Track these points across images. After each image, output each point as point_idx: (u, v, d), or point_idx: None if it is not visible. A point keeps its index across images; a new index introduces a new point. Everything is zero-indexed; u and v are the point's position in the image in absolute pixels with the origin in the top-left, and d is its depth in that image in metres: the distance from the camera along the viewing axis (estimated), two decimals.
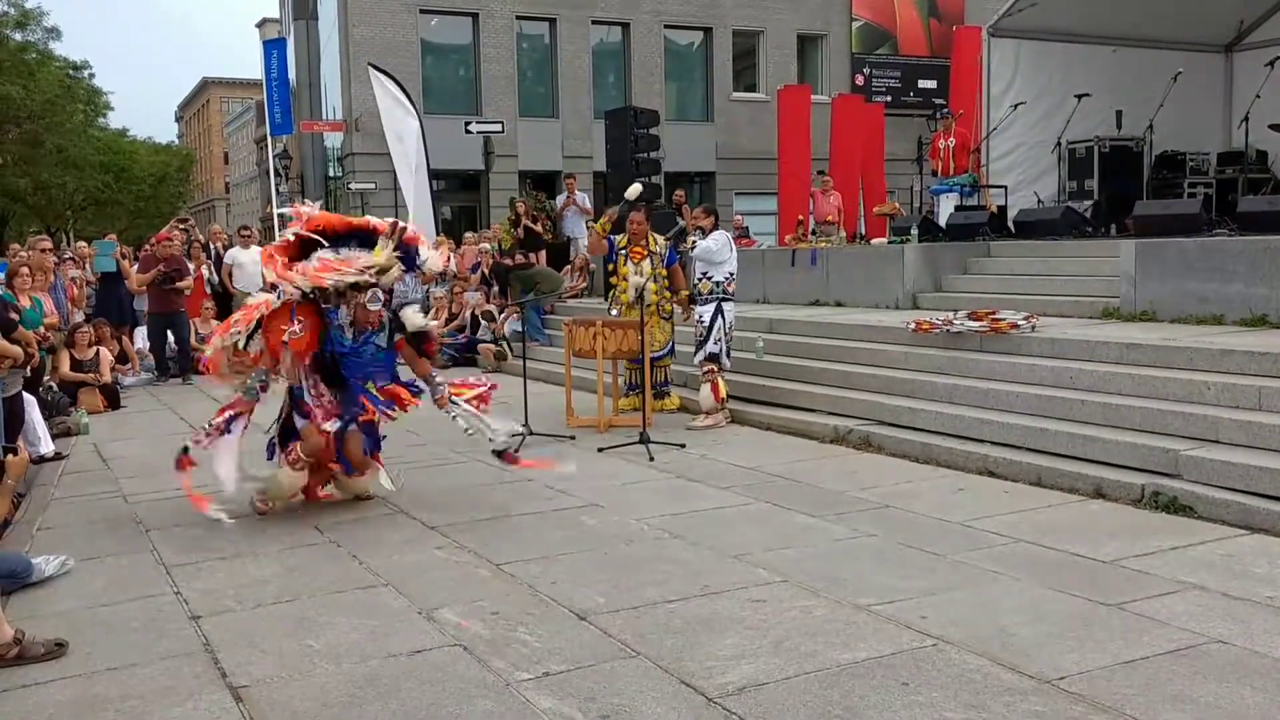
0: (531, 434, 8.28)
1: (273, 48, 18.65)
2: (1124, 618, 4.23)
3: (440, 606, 4.59)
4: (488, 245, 16.97)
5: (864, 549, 5.33)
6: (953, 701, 3.52)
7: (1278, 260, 7.71)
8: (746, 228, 20.44)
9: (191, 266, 14.66)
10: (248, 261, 15.34)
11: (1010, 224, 12.26)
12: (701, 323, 8.97)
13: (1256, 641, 3.93)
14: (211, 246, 15.64)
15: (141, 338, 13.99)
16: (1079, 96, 12.87)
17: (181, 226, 16.45)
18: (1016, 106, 13.44)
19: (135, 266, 14.07)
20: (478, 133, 25.49)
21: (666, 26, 31.24)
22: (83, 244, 15.30)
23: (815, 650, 3.98)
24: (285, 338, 6.14)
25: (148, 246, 14.36)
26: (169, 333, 13.49)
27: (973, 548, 5.25)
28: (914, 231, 11.88)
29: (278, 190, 20.56)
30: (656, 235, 9.52)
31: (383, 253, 6.20)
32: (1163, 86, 12.29)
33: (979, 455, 7.00)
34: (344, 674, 3.92)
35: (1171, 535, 5.35)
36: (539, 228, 16.71)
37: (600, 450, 7.95)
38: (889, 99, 29.29)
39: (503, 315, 14.27)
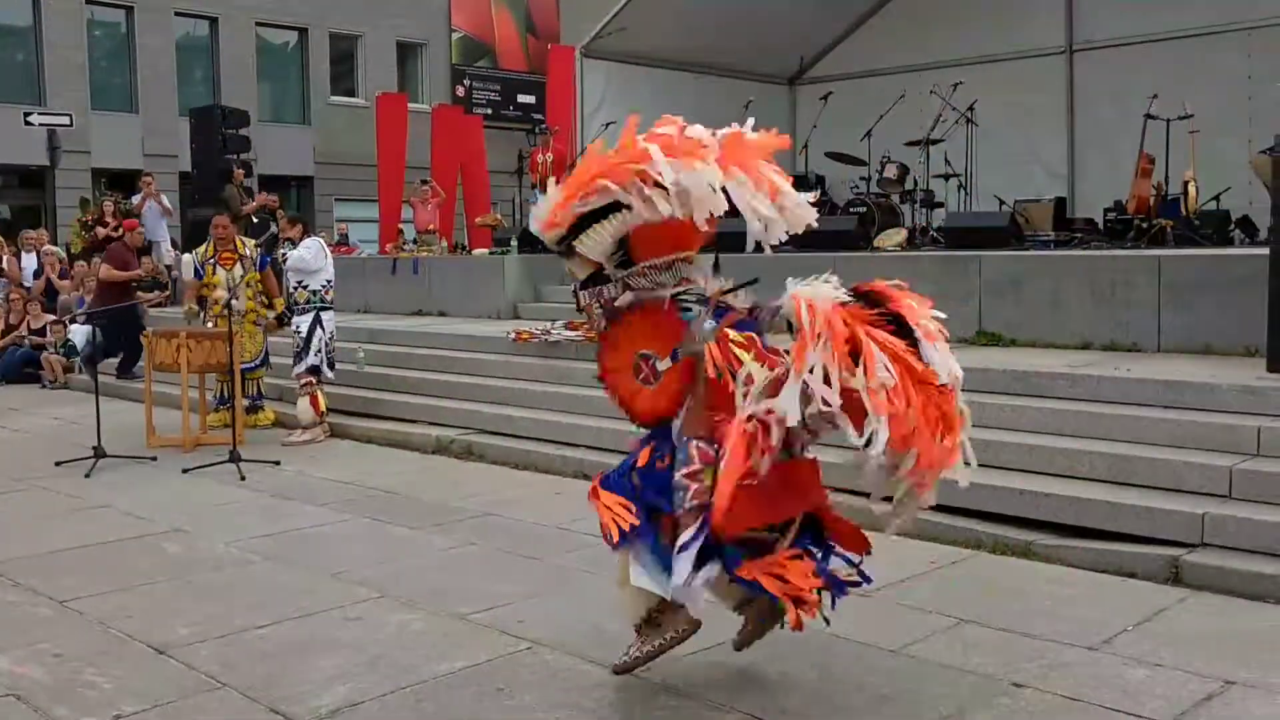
0: (104, 456, 7.60)
1: None
2: None
3: None
4: (55, 249, 15.45)
5: (466, 558, 5.37)
6: (545, 702, 3.63)
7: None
8: (346, 234, 20.05)
9: None
10: None
11: None
12: (299, 333, 8.63)
13: None
14: None
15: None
16: None
17: None
18: (607, 126, 14.05)
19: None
20: (40, 125, 23.33)
21: (259, 24, 29.79)
22: None
23: (413, 664, 3.96)
24: None
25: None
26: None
27: (569, 549, 5.44)
28: (514, 243, 12.15)
29: None
30: (245, 240, 9.07)
31: None
32: (736, 114, 13.33)
33: (575, 459, 7.28)
34: None
35: None
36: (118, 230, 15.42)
37: (185, 471, 7.44)
38: (490, 111, 29.74)
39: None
